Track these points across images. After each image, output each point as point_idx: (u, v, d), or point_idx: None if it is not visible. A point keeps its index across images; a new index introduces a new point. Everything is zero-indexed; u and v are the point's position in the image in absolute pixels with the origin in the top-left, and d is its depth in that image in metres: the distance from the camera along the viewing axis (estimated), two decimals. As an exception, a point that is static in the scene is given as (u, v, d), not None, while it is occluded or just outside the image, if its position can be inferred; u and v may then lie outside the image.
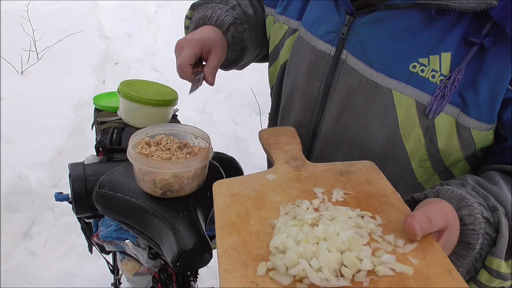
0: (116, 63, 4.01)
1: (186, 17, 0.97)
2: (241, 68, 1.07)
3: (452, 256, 0.56)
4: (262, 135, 0.85)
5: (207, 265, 0.79)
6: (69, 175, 0.92)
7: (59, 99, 2.87)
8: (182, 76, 0.84)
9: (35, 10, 3.97)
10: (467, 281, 0.57)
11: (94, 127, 1.18)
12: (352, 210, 0.57)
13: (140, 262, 1.08)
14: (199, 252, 0.75)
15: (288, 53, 0.85)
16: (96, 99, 1.24)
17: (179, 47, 0.85)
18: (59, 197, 1.01)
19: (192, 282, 1.12)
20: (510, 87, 0.62)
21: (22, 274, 1.86)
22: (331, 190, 0.63)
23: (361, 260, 0.49)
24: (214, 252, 0.64)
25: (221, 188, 0.67)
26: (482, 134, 0.65)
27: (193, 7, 0.94)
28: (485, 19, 0.61)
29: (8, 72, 3.07)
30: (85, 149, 2.51)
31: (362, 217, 0.56)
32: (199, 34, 0.87)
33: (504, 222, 0.55)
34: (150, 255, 1.01)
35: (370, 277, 0.48)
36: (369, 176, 0.65)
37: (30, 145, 2.39)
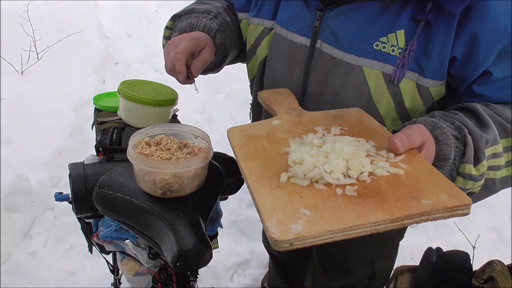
0: (116, 63, 4.01)
1: (166, 27, 0.99)
2: (218, 71, 1.12)
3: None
4: (261, 95, 0.94)
5: (207, 265, 0.79)
6: (69, 175, 0.92)
7: (59, 99, 2.87)
8: (177, 64, 0.84)
9: (35, 10, 3.97)
10: None
11: (94, 127, 1.18)
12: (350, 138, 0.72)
13: (140, 262, 1.08)
14: (199, 252, 0.75)
15: (266, 50, 0.96)
16: (96, 99, 1.24)
17: (174, 43, 0.86)
18: (59, 197, 1.01)
19: (192, 282, 1.12)
20: (453, 50, 0.76)
21: (22, 274, 1.86)
22: (329, 128, 0.77)
23: (363, 166, 0.63)
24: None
25: (235, 132, 0.80)
26: (437, 89, 0.80)
27: (174, 18, 0.97)
28: (426, 0, 0.76)
29: (8, 72, 3.06)
30: (85, 149, 2.51)
31: (358, 141, 0.71)
32: (192, 34, 0.89)
33: (468, 137, 0.70)
34: (150, 255, 1.01)
35: (370, 177, 0.62)
36: (359, 118, 0.79)
37: (30, 145, 2.38)
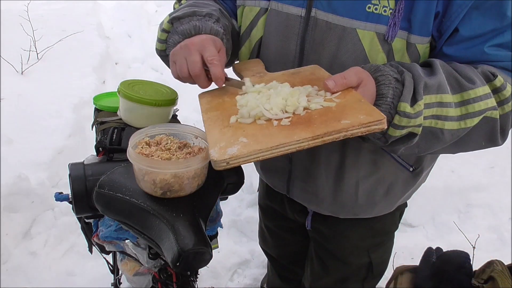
0: (116, 63, 4.01)
1: (164, 30, 0.95)
2: None
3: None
4: (234, 66, 1.01)
5: (207, 265, 0.79)
6: (69, 175, 0.92)
7: (59, 99, 2.87)
8: (216, 69, 0.81)
9: (35, 10, 3.97)
10: (388, 127, 0.77)
11: (94, 127, 1.18)
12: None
13: (140, 262, 1.08)
14: (199, 252, 0.75)
15: (262, 29, 0.98)
16: (96, 99, 1.24)
17: (194, 46, 0.83)
18: (59, 197, 1.01)
19: (192, 282, 1.12)
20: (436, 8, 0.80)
21: (22, 274, 1.86)
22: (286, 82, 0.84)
23: (299, 103, 0.72)
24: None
25: (205, 94, 0.90)
26: (423, 46, 0.85)
27: (172, 21, 0.93)
28: None
29: (8, 72, 3.06)
30: (85, 149, 2.50)
31: (302, 87, 0.79)
32: (206, 36, 0.87)
33: (408, 79, 0.76)
34: (150, 255, 1.01)
35: (305, 111, 0.71)
36: (313, 71, 0.86)
37: (30, 145, 2.38)
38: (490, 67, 0.83)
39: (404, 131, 0.77)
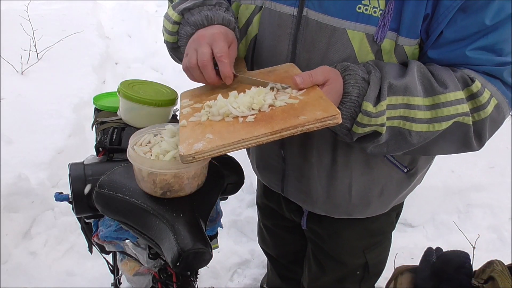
0: (116, 63, 4.01)
1: (175, 22, 0.92)
2: None
3: (339, 105, 0.80)
4: None
5: (207, 265, 0.79)
6: (69, 175, 0.92)
7: (59, 99, 2.87)
8: (224, 68, 0.83)
9: (35, 10, 3.97)
10: (351, 126, 0.81)
11: (94, 127, 1.18)
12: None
13: (140, 262, 1.08)
14: (199, 252, 0.75)
15: (257, 27, 0.97)
16: (96, 99, 1.24)
17: (205, 38, 0.84)
18: (59, 197, 1.01)
19: (192, 282, 1.12)
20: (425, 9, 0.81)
21: (22, 274, 1.86)
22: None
23: (265, 100, 0.77)
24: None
25: (186, 93, 0.94)
26: (411, 48, 0.85)
27: (182, 12, 0.91)
28: None
29: (8, 72, 3.06)
30: (85, 149, 2.50)
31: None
32: (218, 29, 0.87)
33: (374, 79, 0.78)
34: (150, 255, 1.01)
35: (270, 108, 0.76)
36: (287, 69, 0.89)
37: (30, 145, 2.38)
38: (470, 72, 0.82)
39: (367, 129, 0.80)
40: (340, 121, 0.69)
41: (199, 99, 0.88)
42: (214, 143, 0.70)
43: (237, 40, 0.92)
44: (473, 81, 0.80)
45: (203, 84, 0.92)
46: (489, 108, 0.81)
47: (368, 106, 0.77)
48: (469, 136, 0.83)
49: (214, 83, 0.87)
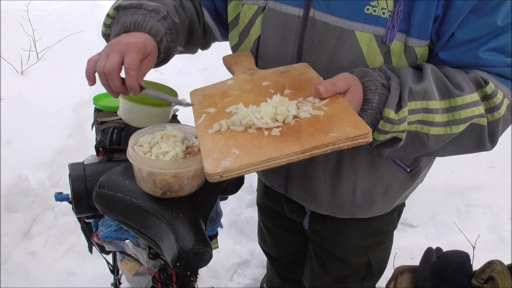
0: (116, 63, 4.01)
1: (108, 15, 0.91)
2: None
3: (360, 112, 0.78)
4: (225, 59, 1.01)
5: (207, 265, 0.79)
6: (69, 175, 0.92)
7: (59, 99, 2.87)
8: (130, 80, 0.78)
9: (35, 10, 3.97)
10: (373, 132, 0.78)
11: (94, 127, 1.18)
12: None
13: (140, 262, 1.08)
14: (199, 252, 0.75)
15: (260, 28, 0.97)
16: (96, 99, 1.24)
17: (120, 46, 0.80)
18: (59, 197, 1.01)
19: (192, 282, 1.12)
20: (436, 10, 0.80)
21: (22, 274, 1.86)
22: (275, 83, 0.85)
23: (289, 111, 0.73)
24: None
25: (196, 92, 0.91)
26: (421, 50, 0.84)
27: (117, 8, 0.89)
28: None
29: (8, 72, 3.06)
30: (85, 149, 2.50)
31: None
32: (137, 39, 0.83)
33: (394, 85, 0.77)
34: (150, 255, 1.01)
35: (295, 119, 0.73)
36: (301, 70, 0.87)
37: (30, 145, 2.38)
38: (483, 73, 0.83)
39: (388, 136, 0.79)
40: (370, 139, 0.67)
41: (212, 101, 0.85)
42: (242, 161, 0.66)
43: (158, 51, 0.88)
44: (486, 82, 0.80)
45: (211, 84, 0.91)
46: (503, 109, 0.81)
47: (390, 113, 0.76)
48: (483, 137, 0.83)
49: (119, 91, 0.82)
